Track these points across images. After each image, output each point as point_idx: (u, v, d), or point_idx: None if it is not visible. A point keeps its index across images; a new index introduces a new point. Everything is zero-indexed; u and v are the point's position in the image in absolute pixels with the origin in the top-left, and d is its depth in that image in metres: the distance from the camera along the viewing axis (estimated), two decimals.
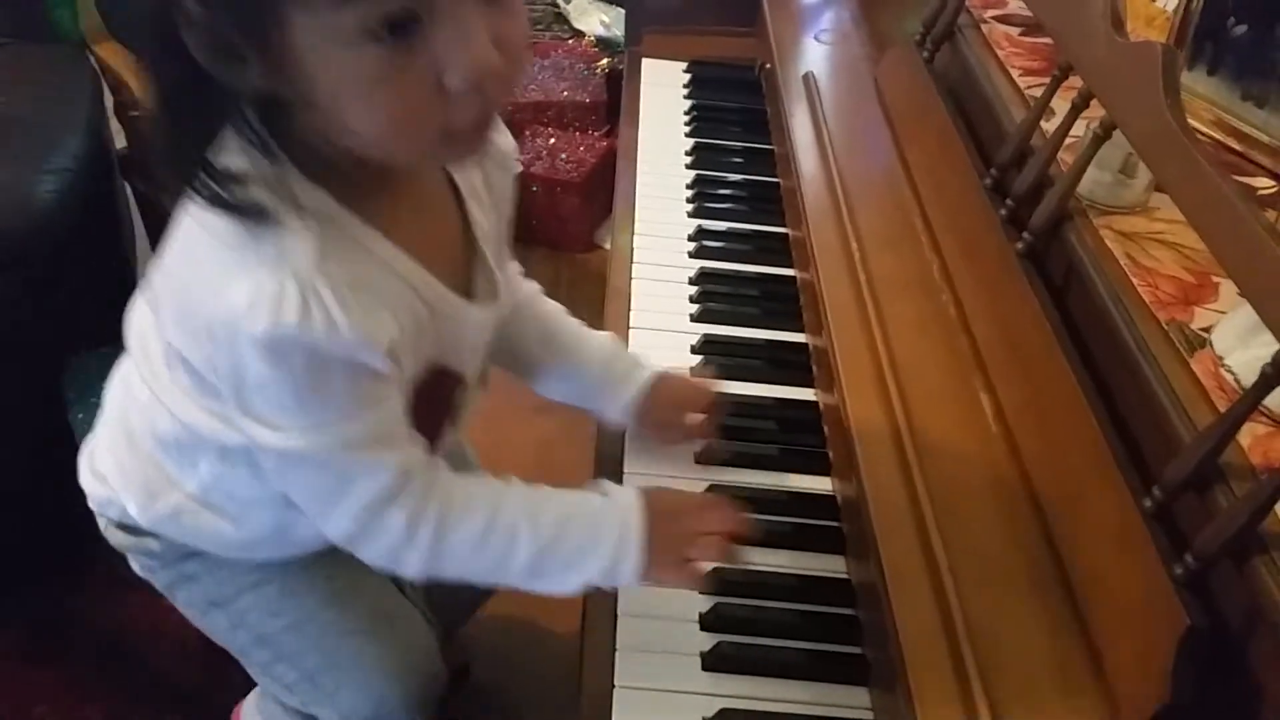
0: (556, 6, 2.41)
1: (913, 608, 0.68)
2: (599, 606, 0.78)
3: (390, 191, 0.63)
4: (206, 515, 0.77)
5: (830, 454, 0.90)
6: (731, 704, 0.73)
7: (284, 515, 0.74)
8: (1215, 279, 0.79)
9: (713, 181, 1.26)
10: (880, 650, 0.70)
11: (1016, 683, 0.62)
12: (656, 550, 0.70)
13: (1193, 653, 0.54)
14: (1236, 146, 0.95)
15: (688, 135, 1.34)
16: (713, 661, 0.75)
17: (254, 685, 1.03)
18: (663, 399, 0.88)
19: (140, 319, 0.78)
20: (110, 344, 1.35)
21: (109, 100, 1.72)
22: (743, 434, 0.92)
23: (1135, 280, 0.78)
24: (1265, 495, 0.57)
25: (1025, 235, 0.85)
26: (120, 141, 1.78)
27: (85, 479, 0.84)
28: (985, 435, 0.77)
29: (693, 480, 0.88)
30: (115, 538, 0.84)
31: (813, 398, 0.97)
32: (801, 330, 1.04)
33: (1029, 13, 1.10)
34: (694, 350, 1.01)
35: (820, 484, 0.89)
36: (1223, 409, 0.63)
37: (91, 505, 0.84)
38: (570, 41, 2.35)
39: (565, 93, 2.18)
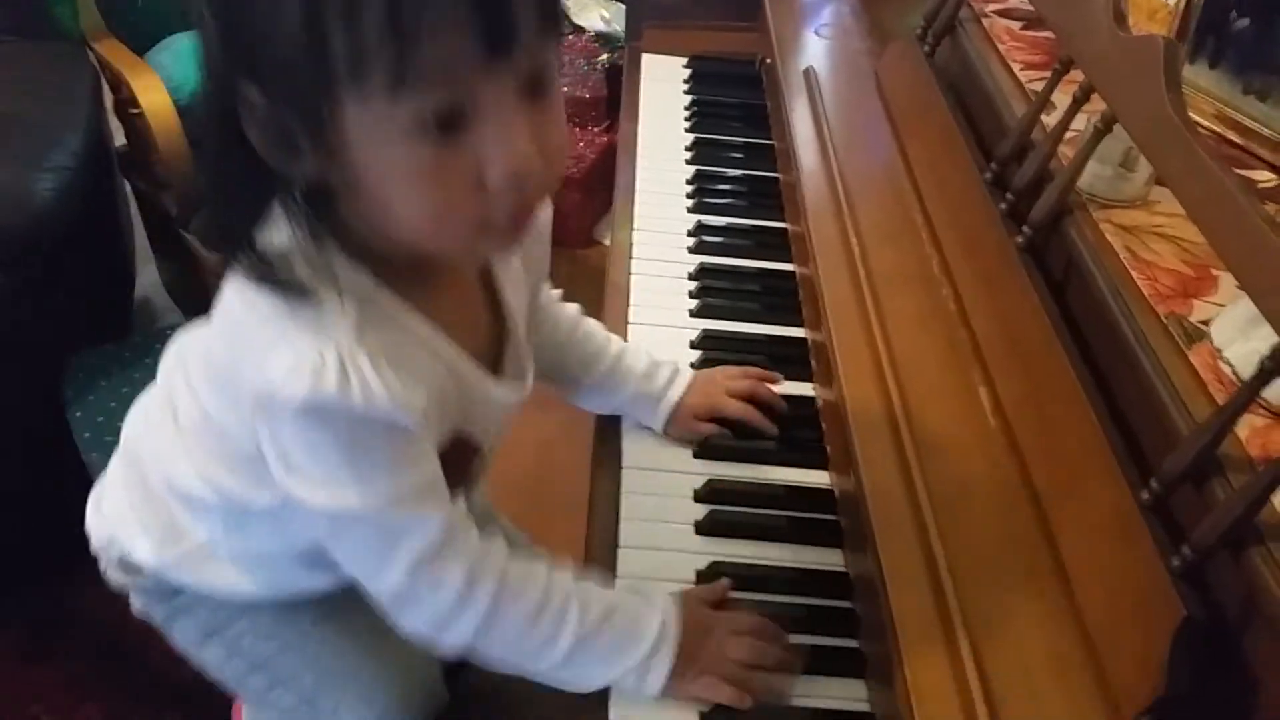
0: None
1: (910, 601, 0.68)
2: None
3: (427, 272, 0.65)
4: (213, 564, 0.78)
5: (829, 448, 0.90)
6: None
7: (293, 567, 0.76)
8: (1214, 272, 0.79)
9: (713, 176, 1.26)
10: (878, 644, 0.70)
11: (1013, 675, 0.62)
12: (682, 662, 0.70)
13: (1189, 644, 0.54)
14: (1238, 140, 0.95)
15: (688, 130, 1.34)
16: None
17: None
18: (697, 406, 0.91)
19: (172, 375, 0.80)
20: (109, 342, 1.37)
21: (108, 98, 1.72)
22: (741, 428, 0.92)
23: (1135, 273, 0.78)
24: (1262, 487, 0.57)
25: (1025, 229, 0.85)
26: (120, 139, 1.78)
27: (92, 520, 0.85)
28: (984, 429, 0.77)
29: (691, 474, 0.88)
30: (115, 577, 0.85)
31: (811, 392, 0.97)
32: (801, 325, 1.04)
33: (1030, 7, 1.10)
34: (693, 345, 1.01)
35: (819, 478, 0.89)
36: (1221, 401, 0.63)
37: (94, 548, 0.85)
38: (570, 37, 2.35)
39: (565, 88, 2.17)
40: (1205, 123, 0.95)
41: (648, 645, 0.70)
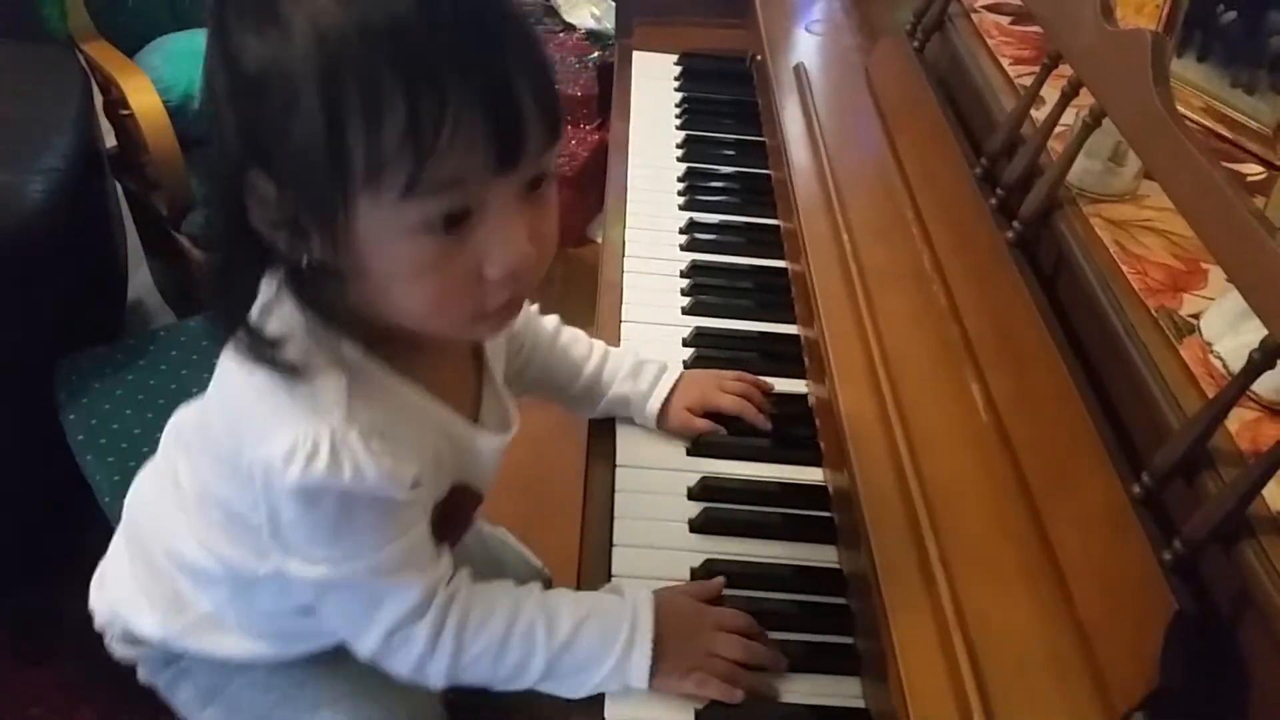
0: (548, 0, 2.40)
1: (904, 596, 0.68)
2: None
3: (414, 341, 0.66)
4: (217, 634, 0.79)
5: (822, 445, 0.90)
6: None
7: (301, 625, 0.77)
8: (1204, 266, 0.79)
9: (704, 174, 1.26)
10: (872, 639, 0.70)
11: (1007, 669, 0.62)
12: (668, 655, 0.71)
13: (1181, 637, 0.55)
14: (1226, 133, 0.95)
15: (679, 128, 1.34)
16: None
17: None
18: (690, 399, 0.92)
19: (172, 449, 0.81)
20: (102, 344, 1.36)
21: (98, 99, 1.72)
22: (735, 426, 0.92)
23: (1124, 268, 0.78)
24: (1253, 480, 0.57)
25: (1015, 224, 0.86)
26: (110, 140, 1.78)
27: (95, 598, 0.86)
28: (975, 424, 0.77)
29: (685, 472, 0.88)
30: (120, 650, 0.86)
31: (804, 389, 0.97)
32: (793, 321, 1.04)
33: (1019, 2, 1.10)
34: (686, 343, 1.01)
35: (812, 475, 0.89)
36: (1211, 395, 0.63)
37: (97, 624, 0.86)
38: (561, 35, 2.34)
39: (556, 85, 2.17)
40: (1193, 116, 0.96)
41: (622, 639, 0.71)
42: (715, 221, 1.17)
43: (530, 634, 0.70)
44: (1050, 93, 0.88)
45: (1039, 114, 0.89)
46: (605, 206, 1.22)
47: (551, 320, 0.92)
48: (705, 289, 1.08)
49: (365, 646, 0.70)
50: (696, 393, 0.92)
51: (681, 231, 1.15)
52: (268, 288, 0.63)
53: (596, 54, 2.25)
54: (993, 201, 0.90)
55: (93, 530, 0.99)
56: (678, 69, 1.47)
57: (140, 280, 1.91)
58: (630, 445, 0.91)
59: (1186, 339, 0.72)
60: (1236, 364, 0.64)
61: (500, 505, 1.03)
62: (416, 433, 0.67)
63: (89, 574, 0.86)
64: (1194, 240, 0.69)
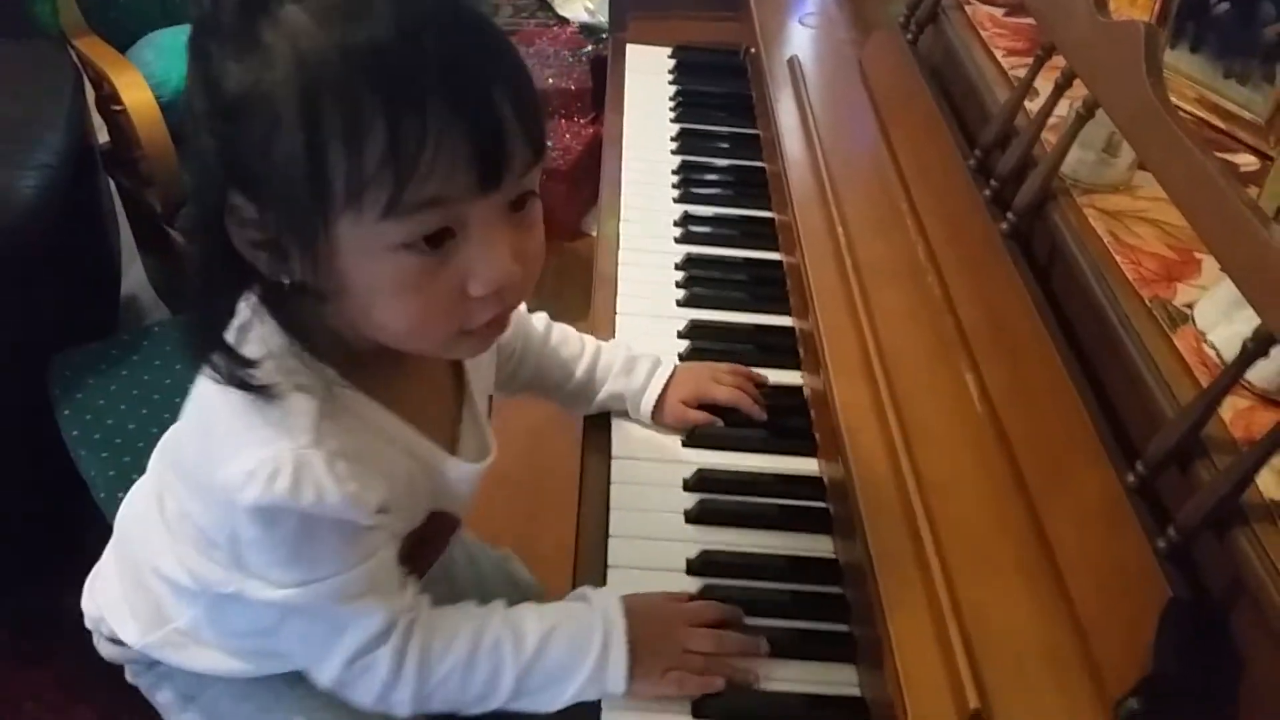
0: None
1: (899, 586, 0.68)
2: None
3: (395, 361, 0.66)
4: (195, 648, 0.79)
5: (817, 436, 0.91)
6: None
7: (268, 644, 0.76)
8: (1197, 255, 0.79)
9: (699, 167, 1.26)
10: (868, 628, 0.70)
11: (1003, 658, 0.62)
12: (643, 658, 0.71)
13: (1175, 623, 0.55)
14: (1219, 124, 0.95)
15: (673, 121, 1.34)
16: None
17: None
18: (684, 392, 0.92)
19: (158, 465, 0.82)
20: (96, 340, 1.36)
21: (90, 95, 1.71)
22: (731, 417, 0.92)
23: (1118, 258, 0.79)
24: (1246, 468, 0.57)
25: (1009, 215, 0.86)
26: (103, 136, 1.77)
27: (85, 602, 0.86)
28: (970, 415, 0.78)
29: (680, 464, 0.88)
30: (106, 650, 0.86)
31: (799, 381, 0.97)
32: (788, 314, 1.04)
33: None
34: (681, 335, 1.01)
35: (808, 465, 0.89)
36: (1205, 384, 0.63)
37: (88, 623, 0.86)
38: (555, 28, 2.34)
39: (550, 80, 2.17)
40: (1187, 107, 0.96)
41: (597, 645, 0.70)
42: (710, 214, 1.17)
43: (496, 650, 0.70)
44: (1044, 84, 0.89)
45: (1033, 105, 0.89)
46: (600, 200, 1.22)
47: (541, 320, 0.92)
48: (700, 281, 1.08)
49: (326, 675, 0.69)
50: (691, 385, 0.92)
51: (676, 224, 1.15)
52: (245, 308, 0.63)
53: (590, 47, 2.25)
54: (987, 193, 0.90)
55: (92, 529, 0.99)
56: (672, 62, 1.47)
57: (134, 276, 1.91)
58: (626, 437, 0.92)
59: (1180, 328, 0.72)
60: (1230, 353, 0.64)
61: (496, 497, 1.03)
62: (388, 458, 0.66)
63: (87, 573, 0.86)
64: (1187, 230, 0.69)
